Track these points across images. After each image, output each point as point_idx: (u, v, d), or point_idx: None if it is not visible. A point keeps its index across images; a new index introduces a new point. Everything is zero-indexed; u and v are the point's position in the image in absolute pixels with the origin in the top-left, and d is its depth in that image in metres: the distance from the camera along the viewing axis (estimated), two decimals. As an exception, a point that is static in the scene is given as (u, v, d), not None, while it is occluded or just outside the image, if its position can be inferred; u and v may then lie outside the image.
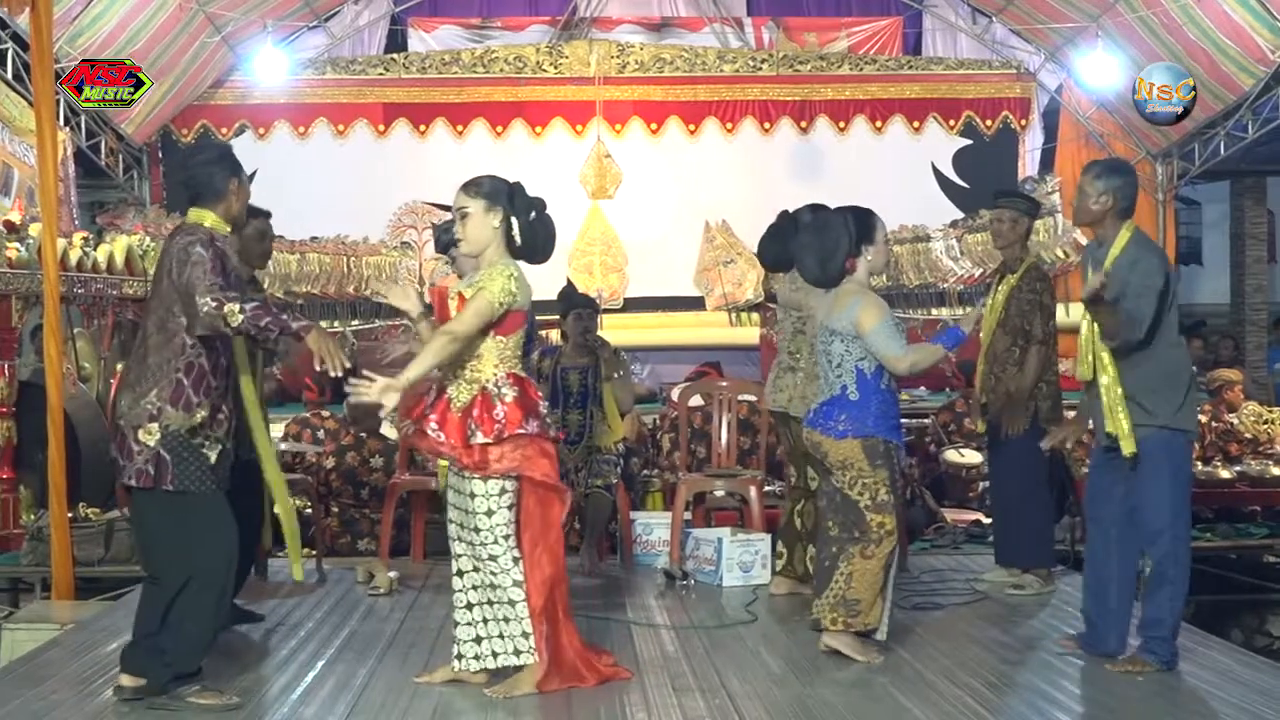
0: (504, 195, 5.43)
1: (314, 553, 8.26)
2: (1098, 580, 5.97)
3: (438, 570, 8.05)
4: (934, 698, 5.39)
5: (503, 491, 5.33)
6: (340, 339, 14.37)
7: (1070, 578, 7.69)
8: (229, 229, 5.46)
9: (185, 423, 5.18)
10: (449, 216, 6.63)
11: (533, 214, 5.47)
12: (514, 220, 5.41)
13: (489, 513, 5.33)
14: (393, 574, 7.61)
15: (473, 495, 5.36)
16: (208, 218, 5.35)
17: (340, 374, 5.13)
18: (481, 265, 5.45)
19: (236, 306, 5.04)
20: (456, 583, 5.48)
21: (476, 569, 5.41)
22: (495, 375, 5.35)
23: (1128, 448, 5.66)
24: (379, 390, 5.07)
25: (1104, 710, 5.31)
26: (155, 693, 5.25)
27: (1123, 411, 5.67)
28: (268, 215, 6.69)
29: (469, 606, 5.45)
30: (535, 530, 5.43)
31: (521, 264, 5.49)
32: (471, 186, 5.45)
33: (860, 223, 5.97)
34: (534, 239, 5.48)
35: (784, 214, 7.31)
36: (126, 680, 5.30)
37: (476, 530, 5.36)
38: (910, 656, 6.04)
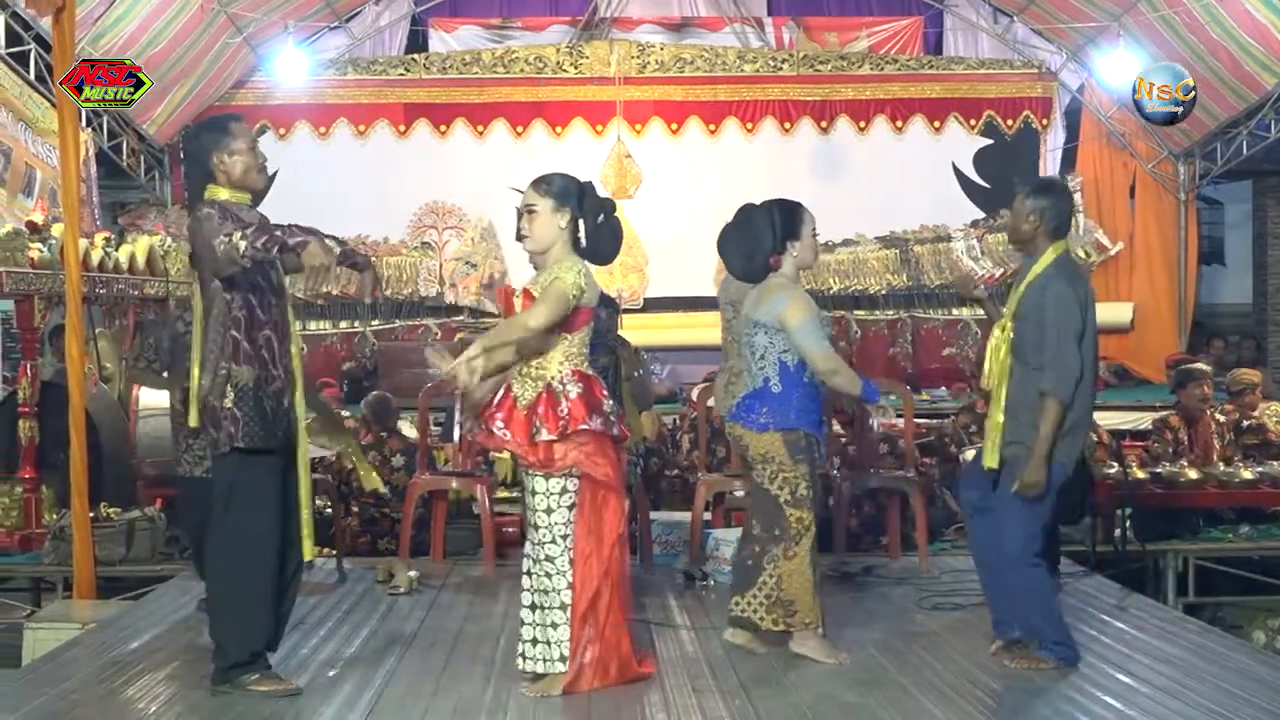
0: (573, 195, 5.44)
1: (334, 552, 8.29)
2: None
3: (458, 570, 8.10)
4: (953, 698, 5.38)
5: (564, 491, 5.35)
6: (360, 339, 14.43)
7: (1091, 579, 7.68)
8: (247, 196, 5.51)
9: (251, 376, 5.34)
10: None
11: (601, 216, 5.49)
12: (581, 221, 5.44)
13: (548, 510, 5.35)
14: (413, 573, 7.62)
15: (534, 493, 5.38)
16: (220, 193, 5.45)
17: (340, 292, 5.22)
18: (546, 264, 5.45)
19: (238, 234, 5.09)
20: (524, 582, 5.49)
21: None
22: (560, 372, 5.38)
23: (988, 460, 5.80)
24: (463, 367, 5.13)
25: (1124, 711, 5.28)
26: (217, 681, 5.46)
27: (995, 423, 5.78)
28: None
29: (532, 608, 5.46)
30: (586, 531, 5.43)
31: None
32: (541, 184, 5.46)
33: (786, 218, 5.96)
34: (599, 241, 5.52)
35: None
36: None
37: (535, 528, 5.38)
38: (930, 658, 6.03)
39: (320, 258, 5.10)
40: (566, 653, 5.38)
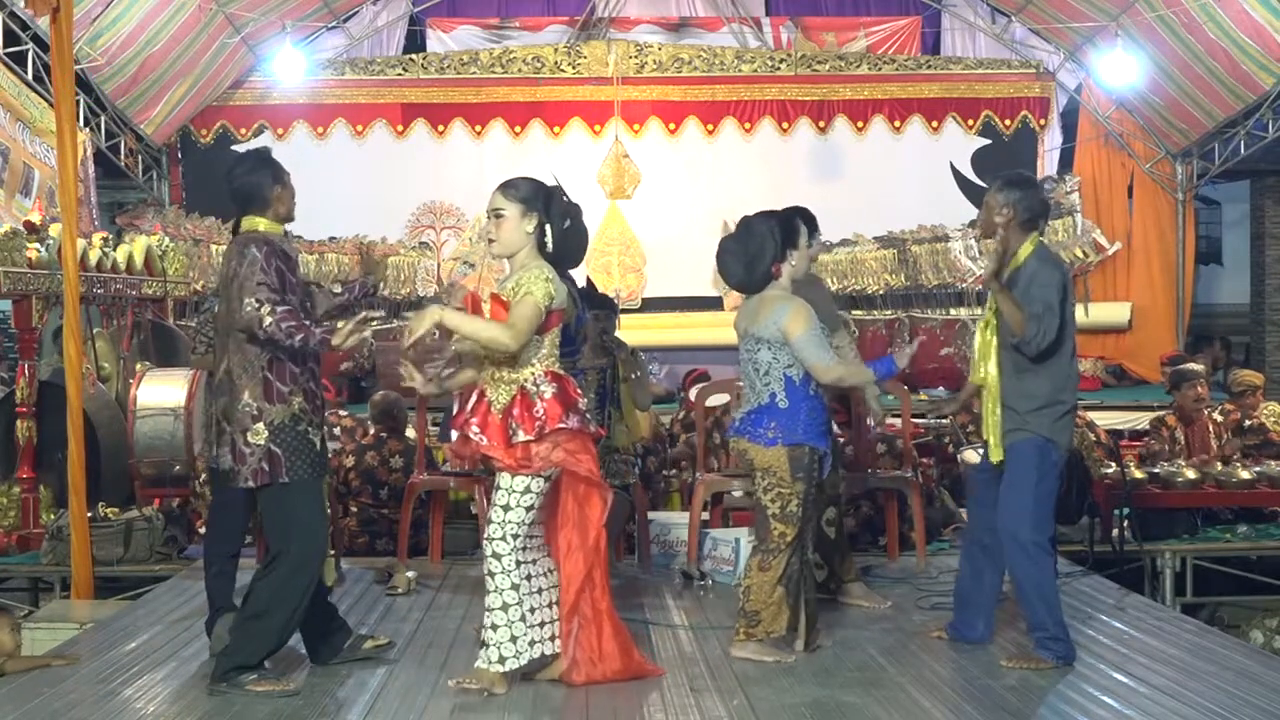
0: (540, 200, 5.46)
1: (332, 552, 8.27)
2: (973, 571, 6.18)
3: (456, 570, 8.09)
4: (952, 698, 5.39)
5: (527, 490, 5.35)
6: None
7: (1089, 579, 7.68)
8: (282, 229, 5.62)
9: (285, 413, 5.39)
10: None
11: (567, 221, 5.52)
12: (548, 226, 5.45)
13: (506, 507, 5.35)
14: (411, 574, 7.63)
15: (498, 488, 5.39)
16: (260, 224, 5.50)
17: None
18: (513, 268, 5.48)
19: (267, 309, 5.20)
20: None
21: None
22: (533, 374, 5.38)
23: (994, 455, 5.83)
24: (429, 314, 5.22)
25: (1122, 711, 5.29)
26: (216, 680, 5.48)
27: (994, 419, 5.80)
28: None
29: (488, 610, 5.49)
30: (571, 528, 5.47)
31: None
32: (509, 189, 5.48)
33: (786, 228, 5.99)
34: (566, 245, 5.56)
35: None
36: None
37: (489, 522, 5.39)
38: (929, 658, 6.03)
39: (349, 341, 5.31)
40: (506, 654, 5.37)
